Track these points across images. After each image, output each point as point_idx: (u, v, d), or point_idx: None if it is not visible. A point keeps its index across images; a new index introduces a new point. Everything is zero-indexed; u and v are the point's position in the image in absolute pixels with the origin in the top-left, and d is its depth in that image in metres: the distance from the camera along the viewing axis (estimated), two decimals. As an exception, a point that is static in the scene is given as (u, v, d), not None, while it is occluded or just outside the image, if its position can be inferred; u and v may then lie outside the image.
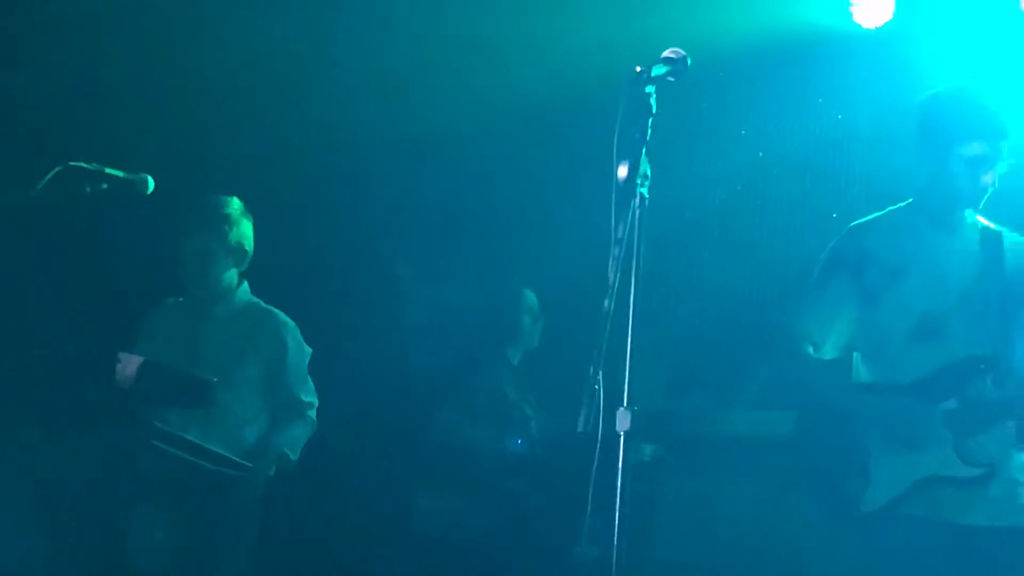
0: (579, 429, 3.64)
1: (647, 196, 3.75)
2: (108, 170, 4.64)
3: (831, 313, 4.75)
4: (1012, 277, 4.68)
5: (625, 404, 3.70)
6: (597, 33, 6.05)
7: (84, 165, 4.63)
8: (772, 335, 4.96)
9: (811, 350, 4.78)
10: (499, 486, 6.37)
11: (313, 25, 6.52)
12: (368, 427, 6.56)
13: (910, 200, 4.81)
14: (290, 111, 6.65)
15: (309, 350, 5.80)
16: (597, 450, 3.68)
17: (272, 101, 6.63)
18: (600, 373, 3.65)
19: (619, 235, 3.68)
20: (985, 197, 4.67)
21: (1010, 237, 4.75)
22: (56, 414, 5.09)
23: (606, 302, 3.64)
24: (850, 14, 6.18)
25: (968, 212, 4.74)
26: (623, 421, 3.69)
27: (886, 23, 6.18)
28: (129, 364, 5.16)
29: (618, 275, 3.67)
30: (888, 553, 4.58)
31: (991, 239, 4.74)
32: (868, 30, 6.20)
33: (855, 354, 4.81)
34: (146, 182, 4.71)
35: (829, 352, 4.79)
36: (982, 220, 4.78)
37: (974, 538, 4.55)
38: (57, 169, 4.58)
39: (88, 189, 4.63)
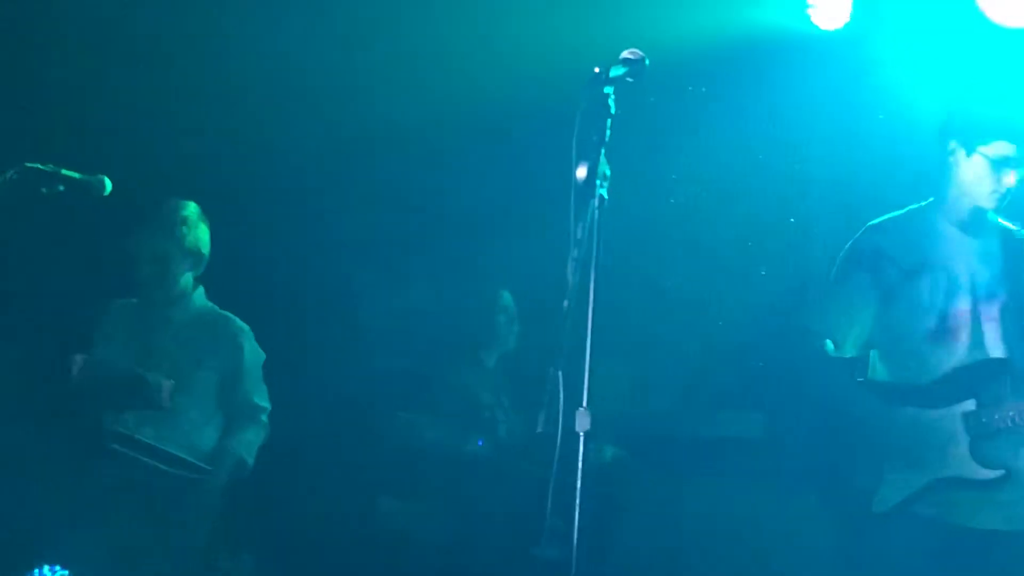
0: (538, 430, 3.64)
1: (606, 197, 3.75)
2: (64, 171, 4.60)
3: (850, 312, 4.77)
4: None
5: (585, 405, 3.70)
6: (558, 34, 6.05)
7: (40, 166, 4.58)
8: (789, 334, 4.96)
9: (830, 349, 4.78)
10: (459, 488, 6.36)
11: (270, 25, 6.49)
12: (331, 430, 6.54)
13: (931, 199, 4.81)
14: (248, 113, 6.61)
15: (263, 355, 5.80)
16: (557, 451, 3.68)
17: (231, 103, 6.60)
18: (560, 374, 3.65)
19: (578, 236, 3.68)
20: (1008, 198, 4.68)
21: None
22: (11, 416, 5.07)
23: (565, 303, 3.64)
24: (808, 16, 6.18)
25: (989, 213, 4.75)
26: (582, 422, 3.68)
27: (844, 25, 6.18)
28: (84, 366, 5.14)
29: (577, 276, 3.67)
30: (897, 553, 4.59)
31: (1011, 240, 4.77)
32: (826, 32, 6.22)
33: (873, 352, 4.81)
34: (103, 183, 4.68)
35: (849, 350, 4.80)
36: (1003, 221, 4.79)
37: (986, 541, 4.57)
38: (12, 171, 4.54)
39: (44, 190, 4.59)
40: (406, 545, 6.32)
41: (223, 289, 5.86)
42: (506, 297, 6.68)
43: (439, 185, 6.85)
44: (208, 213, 5.76)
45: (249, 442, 5.66)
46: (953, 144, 4.71)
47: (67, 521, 5.31)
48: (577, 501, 3.67)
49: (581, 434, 3.70)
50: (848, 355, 4.81)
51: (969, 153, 4.68)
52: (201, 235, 5.70)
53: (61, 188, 4.61)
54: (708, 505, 6.17)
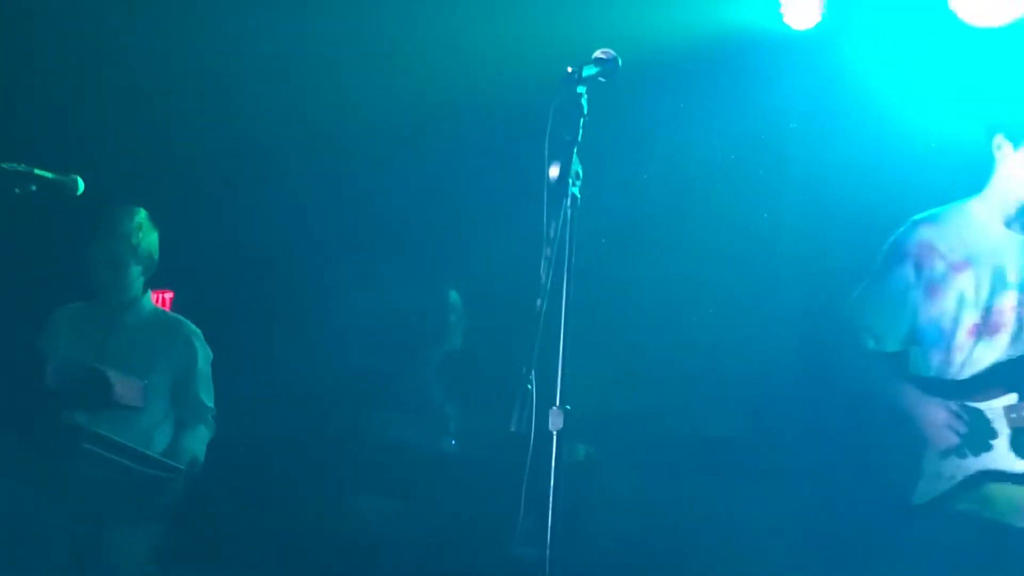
0: (511, 429, 3.64)
1: (579, 196, 3.75)
2: (38, 171, 4.58)
3: (893, 306, 4.79)
4: None
5: (558, 403, 3.70)
6: (530, 33, 6.05)
7: (14, 166, 4.56)
8: (829, 327, 4.96)
9: (872, 344, 4.79)
10: (432, 487, 6.36)
11: (235, 22, 6.48)
12: (301, 430, 6.55)
13: (977, 194, 4.83)
14: (213, 112, 6.62)
15: (212, 355, 5.90)
16: (530, 450, 3.68)
17: (196, 102, 6.61)
18: (533, 373, 3.65)
19: (551, 235, 3.68)
20: None
21: None
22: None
23: (538, 301, 3.64)
24: (780, 15, 6.20)
25: None
26: (555, 420, 3.69)
27: (816, 24, 6.20)
28: (57, 367, 5.15)
29: (551, 275, 3.67)
30: (931, 547, 4.60)
31: None
32: (799, 31, 6.23)
33: (915, 348, 4.82)
34: (76, 183, 4.66)
35: (891, 345, 4.82)
36: None
37: (1017, 538, 4.59)
38: (-17, 171, 4.52)
39: (17, 190, 4.57)
40: (378, 544, 6.32)
41: (189, 290, 5.92)
42: (453, 296, 6.71)
43: (409, 184, 6.85)
44: (168, 213, 5.87)
45: (201, 440, 5.78)
46: (999, 139, 4.73)
47: (38, 520, 5.32)
48: (551, 500, 3.67)
49: (554, 433, 3.70)
50: (890, 350, 4.82)
51: (1016, 147, 4.70)
52: (153, 241, 5.84)
53: (34, 188, 4.59)
54: (683, 504, 6.19)
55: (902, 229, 4.84)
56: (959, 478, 4.61)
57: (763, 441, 6.28)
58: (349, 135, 6.66)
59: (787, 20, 6.20)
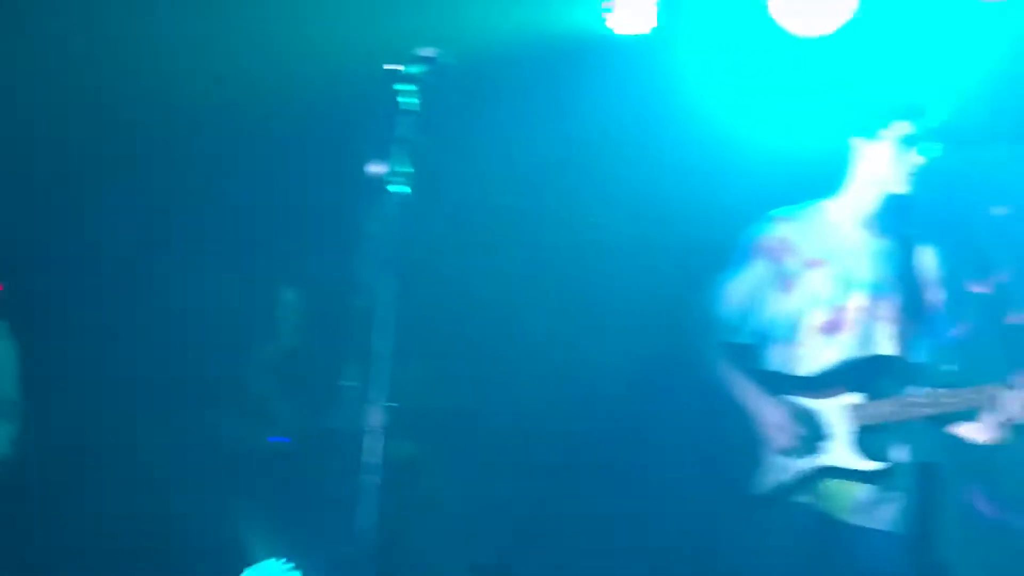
0: (333, 425, 3.64)
1: (405, 194, 3.76)
2: None
3: (745, 299, 4.82)
4: (922, 282, 4.81)
5: (380, 401, 3.70)
6: (357, 31, 6.03)
7: None
8: (684, 317, 4.98)
9: (725, 335, 4.83)
10: (257, 484, 6.32)
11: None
12: (129, 427, 6.45)
13: (834, 193, 4.87)
14: (43, 104, 6.48)
15: (15, 348, 5.80)
16: (360, 448, 3.68)
17: (21, 94, 6.47)
18: (355, 370, 3.65)
19: (373, 231, 3.69)
20: (918, 179, 4.73)
21: (924, 244, 4.86)
22: None
23: (359, 299, 3.64)
24: (604, 20, 6.26)
25: (891, 212, 4.82)
26: (375, 417, 3.69)
27: (647, 30, 6.28)
28: None
29: (373, 272, 3.67)
30: (770, 537, 4.65)
31: (910, 243, 4.84)
32: (627, 36, 6.30)
33: (765, 341, 4.85)
34: None
35: (743, 337, 4.84)
36: (904, 222, 4.85)
37: (852, 535, 4.64)
38: None
39: None
40: (205, 544, 6.25)
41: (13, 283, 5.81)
42: (287, 293, 6.67)
43: (246, 182, 6.78)
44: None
45: (8, 435, 5.69)
46: (852, 135, 4.81)
47: None
48: (371, 497, 3.68)
49: (376, 430, 3.71)
50: (742, 342, 4.85)
51: (870, 139, 4.77)
52: None
53: None
54: (506, 502, 6.23)
55: (758, 224, 4.92)
56: (798, 473, 4.72)
57: (598, 437, 6.34)
58: (179, 131, 6.57)
59: (612, 25, 6.27)
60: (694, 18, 6.28)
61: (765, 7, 6.08)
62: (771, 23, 6.09)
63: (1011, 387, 4.49)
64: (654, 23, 6.27)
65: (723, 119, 6.15)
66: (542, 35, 6.14)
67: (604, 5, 6.21)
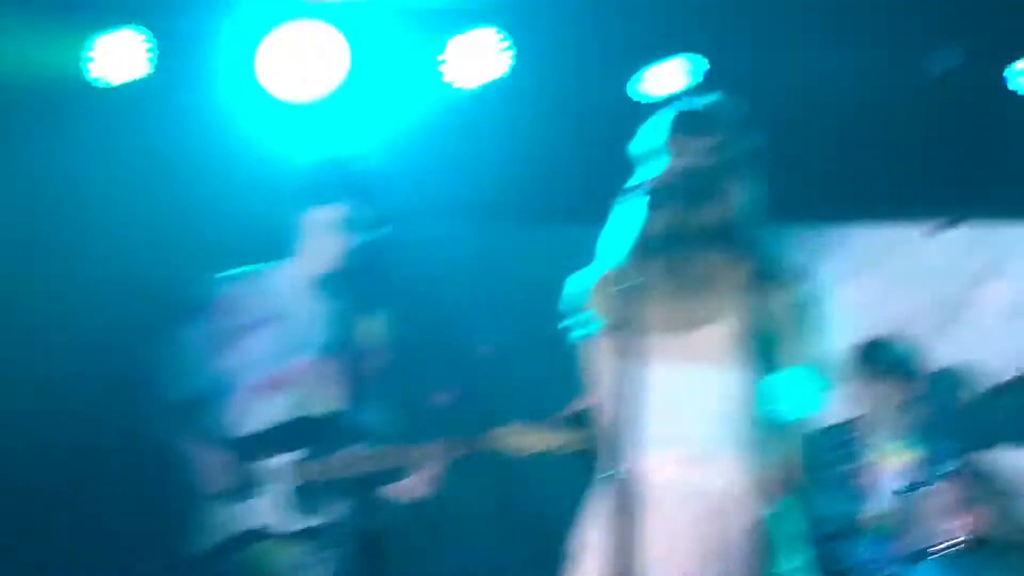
0: None
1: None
2: None
3: (192, 355, 4.90)
4: (366, 346, 4.98)
5: None
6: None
7: None
8: (127, 372, 5.04)
9: (167, 391, 4.86)
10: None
11: None
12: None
13: (286, 258, 5.02)
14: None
15: None
16: None
17: None
18: None
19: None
20: (358, 260, 4.93)
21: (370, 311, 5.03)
22: None
23: None
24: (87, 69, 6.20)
25: (339, 280, 4.96)
26: None
27: (136, 79, 6.24)
28: None
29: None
30: None
31: (355, 309, 5.00)
32: (111, 85, 6.23)
33: (210, 398, 4.92)
34: None
35: (187, 394, 4.90)
36: (350, 291, 4.99)
37: None
38: None
39: None
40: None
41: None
42: None
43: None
44: None
45: None
46: (307, 209, 4.97)
47: None
48: None
49: None
50: (182, 399, 4.92)
51: (309, 216, 4.95)
52: None
53: None
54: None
55: (208, 283, 5.00)
56: (234, 532, 4.80)
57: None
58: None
59: (96, 74, 6.16)
60: (183, 72, 6.27)
61: (253, 70, 6.19)
62: (257, 86, 6.21)
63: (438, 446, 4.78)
64: (144, 73, 6.22)
65: (191, 177, 6.20)
66: (15, 85, 5.98)
67: (88, 54, 6.15)
